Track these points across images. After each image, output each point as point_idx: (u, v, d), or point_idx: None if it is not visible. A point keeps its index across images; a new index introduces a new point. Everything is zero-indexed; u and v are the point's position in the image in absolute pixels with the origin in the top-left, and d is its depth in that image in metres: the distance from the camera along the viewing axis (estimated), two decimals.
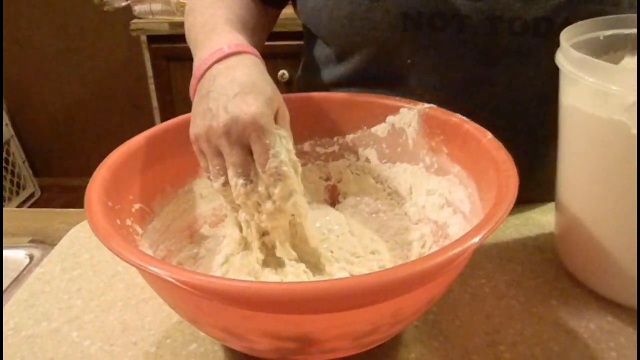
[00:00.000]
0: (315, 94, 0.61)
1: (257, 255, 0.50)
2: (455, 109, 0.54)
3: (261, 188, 0.46)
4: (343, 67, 0.65)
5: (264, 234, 0.50)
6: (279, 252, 0.50)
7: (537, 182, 0.60)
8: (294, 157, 0.48)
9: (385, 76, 0.62)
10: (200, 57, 0.50)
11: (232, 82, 0.46)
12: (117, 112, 2.19)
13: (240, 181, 0.46)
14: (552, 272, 0.56)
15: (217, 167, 0.47)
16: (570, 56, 0.47)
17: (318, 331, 0.38)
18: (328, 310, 0.35)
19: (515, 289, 0.54)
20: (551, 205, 0.59)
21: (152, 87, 1.71)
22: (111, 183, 0.46)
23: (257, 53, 0.51)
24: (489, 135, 0.49)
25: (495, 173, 0.44)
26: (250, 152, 0.45)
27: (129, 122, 2.16)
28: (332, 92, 0.63)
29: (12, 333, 0.52)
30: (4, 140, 2.21)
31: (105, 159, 0.49)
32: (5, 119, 2.22)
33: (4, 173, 2.20)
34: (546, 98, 0.56)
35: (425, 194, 0.55)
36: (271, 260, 0.50)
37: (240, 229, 0.51)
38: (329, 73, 0.67)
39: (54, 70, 2.18)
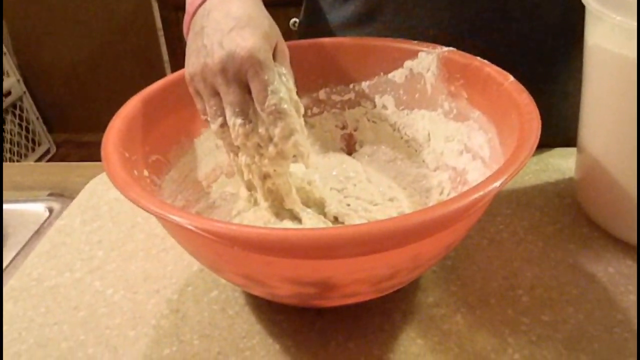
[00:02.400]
0: (329, 40, 0.59)
1: (263, 204, 0.49)
2: (469, 48, 0.52)
3: (262, 130, 0.44)
4: (350, 8, 0.62)
5: (265, 177, 0.48)
6: (287, 204, 0.49)
7: (555, 123, 0.59)
8: (295, 96, 0.46)
9: (394, 16, 0.60)
10: None
11: (226, 16, 0.44)
12: (128, 66, 2.17)
13: (239, 121, 0.44)
14: (571, 217, 0.56)
15: (214, 108, 0.45)
16: None
17: (338, 276, 0.38)
18: (348, 255, 0.35)
19: (534, 234, 0.54)
20: (571, 150, 0.58)
21: (162, 39, 1.69)
22: (126, 134, 0.46)
23: None
24: (511, 78, 0.47)
25: (517, 117, 0.43)
26: (248, 91, 0.43)
27: (140, 75, 2.15)
28: (346, 37, 0.62)
29: (36, 284, 0.53)
30: (16, 97, 2.21)
31: (120, 110, 0.48)
32: (17, 75, 2.22)
33: (17, 130, 2.21)
34: (563, 32, 0.54)
35: (443, 140, 0.55)
36: (285, 213, 0.50)
37: (246, 184, 0.50)
38: (336, 15, 0.65)
39: (63, 25, 2.16)
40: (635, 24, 0.42)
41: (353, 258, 0.36)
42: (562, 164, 0.63)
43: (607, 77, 0.47)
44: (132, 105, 0.49)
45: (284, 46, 0.47)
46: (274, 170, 0.47)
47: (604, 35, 0.46)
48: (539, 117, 0.42)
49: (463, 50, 0.53)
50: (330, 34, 0.64)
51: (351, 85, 0.60)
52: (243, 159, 0.47)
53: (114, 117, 0.47)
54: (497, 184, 0.36)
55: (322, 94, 0.61)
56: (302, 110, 0.47)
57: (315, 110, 0.61)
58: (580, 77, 0.52)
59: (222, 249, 0.37)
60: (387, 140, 0.60)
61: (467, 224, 0.42)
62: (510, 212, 0.57)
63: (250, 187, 0.52)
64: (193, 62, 0.45)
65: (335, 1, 0.64)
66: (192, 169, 0.54)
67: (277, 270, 0.38)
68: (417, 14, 0.59)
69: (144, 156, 0.49)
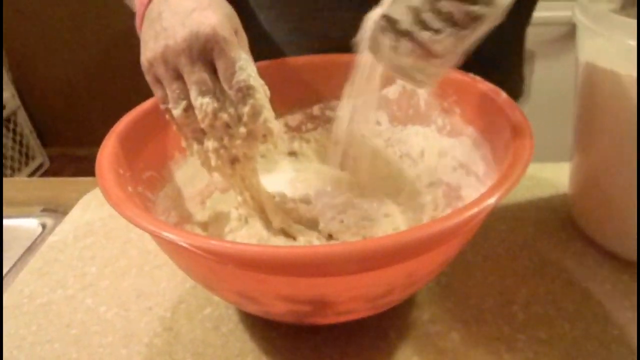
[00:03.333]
0: (323, 57, 0.59)
1: (251, 222, 0.49)
2: None
3: (231, 109, 0.43)
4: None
5: (234, 161, 0.47)
6: (275, 224, 0.49)
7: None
8: (260, 80, 0.44)
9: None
10: None
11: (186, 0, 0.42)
12: (123, 80, 2.17)
13: (206, 100, 0.42)
14: (565, 232, 0.56)
15: (177, 91, 0.43)
16: (589, 11, 0.46)
17: (333, 294, 0.38)
18: (342, 272, 0.35)
19: (529, 250, 0.54)
20: (564, 165, 0.58)
21: None
22: (121, 150, 0.46)
23: None
24: (504, 94, 0.47)
25: (510, 133, 0.43)
26: (213, 71, 0.42)
27: (135, 90, 2.14)
28: (340, 54, 0.62)
29: (28, 301, 0.52)
30: (10, 111, 2.21)
31: (114, 127, 0.48)
32: (12, 90, 2.22)
33: (11, 144, 2.21)
34: (504, 41, 0.53)
35: (437, 156, 0.55)
36: (278, 231, 0.50)
37: (219, 174, 0.49)
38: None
39: (58, 39, 2.16)
40: (628, 41, 0.42)
41: (348, 276, 0.35)
42: (555, 179, 0.63)
43: (600, 94, 0.48)
44: (126, 121, 0.49)
45: (243, 32, 0.45)
46: (244, 154, 0.46)
47: (596, 52, 0.46)
48: (532, 133, 0.42)
49: None
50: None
51: None
52: (210, 144, 0.45)
53: (109, 134, 0.47)
54: (492, 200, 0.36)
55: (315, 110, 0.61)
56: (269, 93, 0.45)
57: (310, 126, 0.61)
58: (522, 86, 0.50)
59: (216, 266, 0.36)
60: (381, 156, 0.60)
61: (462, 241, 0.41)
62: (504, 227, 0.57)
63: (225, 188, 0.50)
64: (151, 47, 0.43)
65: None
66: (185, 185, 0.54)
67: (271, 287, 0.38)
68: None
69: (138, 172, 0.48)
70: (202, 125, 0.44)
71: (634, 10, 0.51)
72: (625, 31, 0.42)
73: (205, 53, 0.41)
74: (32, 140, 2.33)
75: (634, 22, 0.47)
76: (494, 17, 0.39)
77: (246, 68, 0.42)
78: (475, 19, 0.38)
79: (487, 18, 0.38)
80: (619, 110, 0.46)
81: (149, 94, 0.55)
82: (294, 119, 0.61)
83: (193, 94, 0.42)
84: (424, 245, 0.35)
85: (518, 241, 0.55)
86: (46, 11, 2.11)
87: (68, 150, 2.41)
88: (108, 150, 0.45)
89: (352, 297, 0.38)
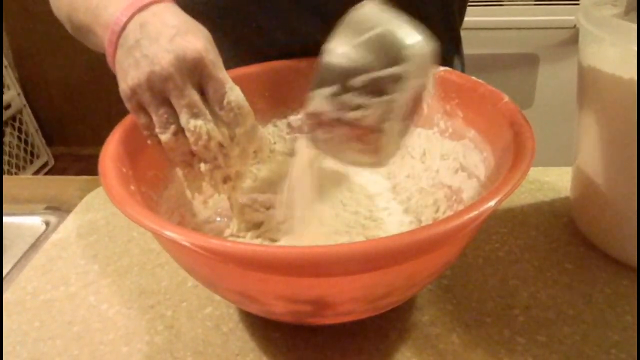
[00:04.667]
0: None
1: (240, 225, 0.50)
2: None
3: (223, 129, 0.43)
4: None
5: (226, 180, 0.48)
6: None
7: None
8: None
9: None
10: (112, 13, 0.45)
11: (164, 25, 0.42)
12: None
13: (199, 122, 0.42)
14: (566, 236, 0.56)
15: (165, 116, 0.42)
16: (592, 16, 0.46)
17: (333, 294, 0.38)
18: (343, 273, 0.35)
19: (530, 253, 0.54)
20: (567, 169, 0.58)
21: None
22: (124, 149, 0.46)
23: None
24: (505, 98, 0.48)
25: (511, 136, 0.43)
26: (200, 93, 0.42)
27: None
28: None
29: (31, 297, 0.53)
30: (16, 110, 2.22)
31: (118, 125, 0.48)
32: (17, 89, 2.23)
33: (16, 142, 2.22)
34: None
35: (439, 158, 0.55)
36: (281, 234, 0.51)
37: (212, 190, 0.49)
38: None
39: (64, 39, 2.16)
40: (631, 46, 0.42)
41: (347, 276, 0.36)
42: (557, 182, 0.63)
43: (602, 98, 0.48)
44: (129, 121, 0.49)
45: (218, 55, 0.45)
46: (236, 172, 0.47)
47: (598, 56, 0.47)
48: (533, 136, 0.42)
49: None
50: None
51: None
52: (202, 165, 0.46)
53: (112, 133, 0.47)
54: (492, 203, 0.36)
55: None
56: (253, 115, 0.45)
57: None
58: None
59: (216, 265, 0.37)
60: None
61: (462, 243, 0.42)
62: (506, 230, 0.57)
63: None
64: (133, 74, 0.42)
65: None
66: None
67: (272, 287, 0.38)
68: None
69: (142, 171, 0.49)
70: (195, 148, 0.44)
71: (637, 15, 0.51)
72: (628, 36, 0.43)
73: (193, 76, 0.42)
74: (37, 139, 2.34)
75: (635, 27, 0.47)
76: (416, 71, 0.38)
77: (234, 88, 0.43)
78: (395, 80, 0.38)
79: (408, 74, 0.37)
80: (620, 114, 0.46)
81: None
82: (297, 119, 0.61)
83: (184, 117, 0.42)
84: (424, 247, 0.35)
85: (519, 244, 0.55)
86: (52, 10, 2.12)
87: (73, 149, 2.42)
88: (111, 148, 0.45)
89: (352, 298, 0.39)
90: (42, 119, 2.36)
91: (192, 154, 0.45)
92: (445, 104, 0.54)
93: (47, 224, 0.65)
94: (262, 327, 0.47)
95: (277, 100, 0.60)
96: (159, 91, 0.42)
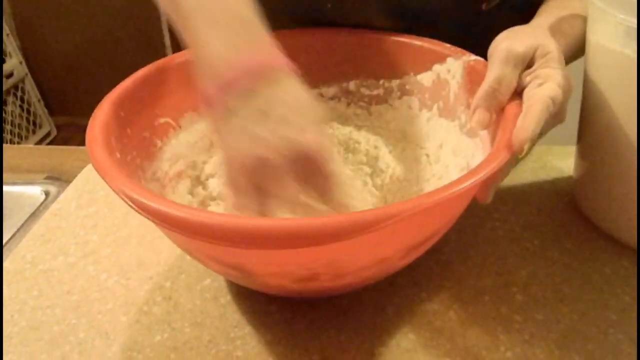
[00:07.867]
0: (369, 32, 0.58)
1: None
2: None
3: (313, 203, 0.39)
4: None
5: None
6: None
7: None
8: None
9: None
10: (224, 57, 0.38)
11: (283, 104, 0.37)
12: (130, 50, 2.16)
13: (284, 209, 0.38)
14: (568, 216, 0.55)
15: (256, 202, 0.38)
16: None
17: (252, 264, 0.39)
18: (256, 247, 0.35)
19: (530, 232, 0.54)
20: (570, 149, 0.58)
21: (164, 24, 1.68)
22: (113, 118, 0.46)
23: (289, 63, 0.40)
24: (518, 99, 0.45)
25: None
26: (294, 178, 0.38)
27: (142, 60, 2.13)
28: (385, 32, 0.59)
29: (30, 266, 0.53)
30: (18, 79, 2.21)
31: (109, 94, 0.48)
32: (19, 57, 2.21)
33: (19, 112, 2.21)
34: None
35: (452, 153, 0.53)
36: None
37: None
38: None
39: (66, 8, 2.14)
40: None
41: (263, 250, 0.36)
42: (561, 162, 0.63)
43: (609, 76, 0.47)
44: (120, 89, 0.49)
45: None
46: None
47: (606, 33, 0.46)
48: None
49: None
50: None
51: (381, 82, 0.59)
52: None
53: (102, 101, 0.47)
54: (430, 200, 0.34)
55: (352, 85, 0.60)
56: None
57: (344, 100, 0.61)
58: None
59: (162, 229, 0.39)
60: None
61: (400, 238, 0.39)
62: (506, 209, 0.57)
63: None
64: (246, 147, 0.37)
65: None
66: (202, 137, 0.55)
67: (204, 250, 0.40)
68: None
69: (148, 118, 0.49)
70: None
71: None
72: (635, 12, 0.42)
73: (306, 171, 0.37)
74: (40, 109, 2.33)
75: None
76: None
77: (342, 182, 0.39)
78: None
79: None
80: (625, 93, 0.45)
81: None
82: (329, 91, 0.60)
83: (273, 204, 0.38)
84: (330, 234, 0.33)
85: (520, 222, 0.55)
86: None
87: (75, 119, 2.40)
88: (100, 117, 0.45)
89: (274, 273, 0.39)
90: (45, 88, 2.34)
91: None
92: (469, 96, 0.52)
93: (47, 193, 0.65)
94: (259, 300, 0.47)
95: (312, 68, 0.56)
96: (261, 177, 0.37)
